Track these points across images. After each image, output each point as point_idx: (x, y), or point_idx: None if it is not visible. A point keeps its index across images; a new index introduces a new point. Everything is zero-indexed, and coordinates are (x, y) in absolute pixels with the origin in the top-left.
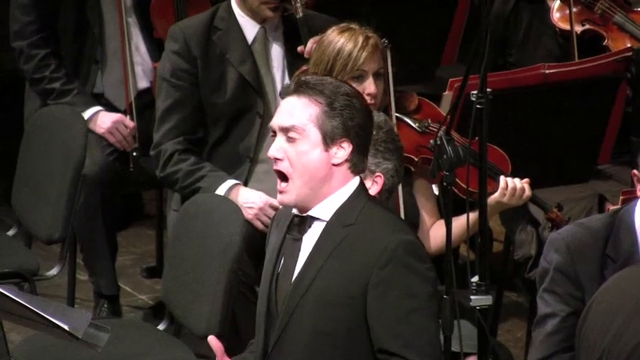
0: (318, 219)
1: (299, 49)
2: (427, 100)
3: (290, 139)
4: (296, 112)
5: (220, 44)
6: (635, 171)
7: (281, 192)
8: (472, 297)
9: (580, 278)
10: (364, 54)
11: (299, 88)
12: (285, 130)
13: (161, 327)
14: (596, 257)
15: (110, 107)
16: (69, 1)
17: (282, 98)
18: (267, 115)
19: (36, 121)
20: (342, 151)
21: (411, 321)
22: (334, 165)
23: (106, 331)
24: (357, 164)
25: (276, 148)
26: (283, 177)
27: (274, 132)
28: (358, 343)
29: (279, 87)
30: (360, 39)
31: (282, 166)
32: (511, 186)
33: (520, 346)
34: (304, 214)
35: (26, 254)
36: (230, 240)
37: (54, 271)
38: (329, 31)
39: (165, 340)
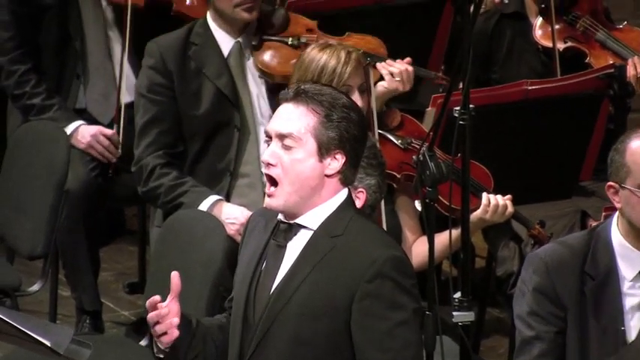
0: (304, 227)
1: None
2: (410, 117)
3: (285, 147)
4: (294, 120)
5: (196, 59)
6: (610, 182)
7: (269, 195)
8: (454, 313)
9: (560, 297)
10: (349, 69)
11: (297, 96)
12: (282, 137)
13: (143, 343)
14: (576, 275)
15: (93, 122)
16: (50, 15)
17: (280, 104)
18: (245, 128)
19: (18, 137)
20: (336, 162)
21: (398, 334)
22: (326, 176)
23: (88, 347)
24: (349, 176)
25: (270, 153)
26: (273, 181)
27: (269, 137)
28: (339, 354)
29: (255, 100)
30: (343, 54)
31: (274, 172)
32: (493, 203)
33: None
34: (291, 222)
35: (8, 270)
36: (212, 256)
37: (36, 287)
38: (308, 50)
39: (147, 356)
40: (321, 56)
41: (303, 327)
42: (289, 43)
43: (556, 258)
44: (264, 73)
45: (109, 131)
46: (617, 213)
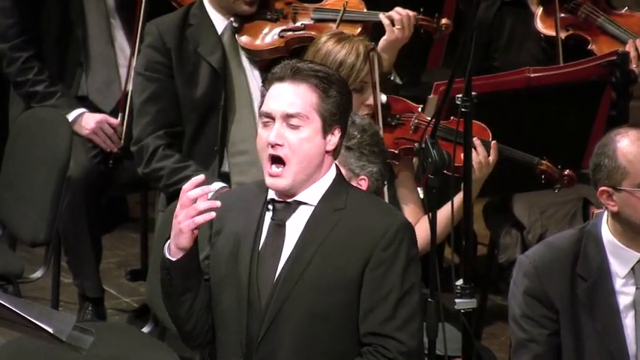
0: (304, 203)
1: None
2: (393, 96)
3: (292, 126)
4: (298, 99)
5: (192, 39)
6: (602, 188)
7: (276, 176)
8: (457, 300)
9: (551, 300)
10: (367, 66)
11: (295, 75)
12: (288, 117)
13: (145, 330)
14: (567, 277)
15: (95, 110)
16: (52, 3)
17: (272, 83)
18: (240, 103)
19: (20, 124)
20: (335, 138)
21: (406, 303)
22: (326, 152)
23: (90, 333)
24: (339, 150)
25: (276, 134)
26: (279, 161)
27: (271, 118)
28: (352, 326)
29: (250, 77)
30: (362, 50)
31: (282, 152)
32: (476, 162)
33: (504, 349)
34: (289, 200)
35: (10, 257)
36: None
37: (38, 274)
38: (323, 39)
39: (149, 343)
40: (339, 50)
41: (318, 303)
42: (268, 17)
43: (545, 260)
44: (250, 52)
45: (114, 121)
46: (606, 212)
